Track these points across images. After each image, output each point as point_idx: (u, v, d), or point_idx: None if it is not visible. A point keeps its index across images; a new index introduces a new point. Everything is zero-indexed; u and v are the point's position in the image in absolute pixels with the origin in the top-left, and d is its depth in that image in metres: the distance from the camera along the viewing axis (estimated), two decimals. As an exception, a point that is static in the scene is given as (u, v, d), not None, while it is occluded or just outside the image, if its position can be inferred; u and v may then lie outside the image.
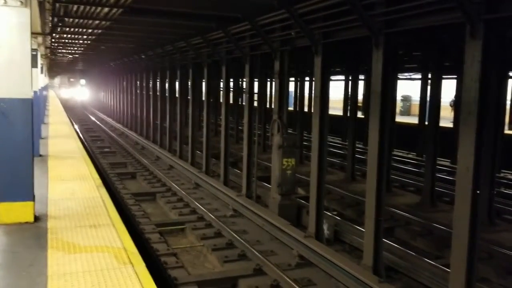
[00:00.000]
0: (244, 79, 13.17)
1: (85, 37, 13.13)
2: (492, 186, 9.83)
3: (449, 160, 16.16)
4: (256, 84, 13.94)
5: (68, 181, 8.34)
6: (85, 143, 21.04)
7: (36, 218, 5.97)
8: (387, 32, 6.75)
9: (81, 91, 47.99)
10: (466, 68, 5.56)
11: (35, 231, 5.60)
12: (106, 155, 19.53)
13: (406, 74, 19.85)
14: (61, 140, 14.24)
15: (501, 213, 10.66)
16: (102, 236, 5.32)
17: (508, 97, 16.92)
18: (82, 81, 43.63)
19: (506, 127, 17.22)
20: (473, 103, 5.45)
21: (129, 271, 4.38)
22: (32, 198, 5.94)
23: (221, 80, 14.67)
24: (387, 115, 7.06)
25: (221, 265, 8.09)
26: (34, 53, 11.87)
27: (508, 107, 18.28)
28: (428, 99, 15.43)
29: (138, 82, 24.36)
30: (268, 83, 23.15)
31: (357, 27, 7.20)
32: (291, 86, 22.64)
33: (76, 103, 47.86)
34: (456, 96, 16.41)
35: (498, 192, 11.83)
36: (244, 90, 13.91)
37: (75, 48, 17.55)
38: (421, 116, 17.09)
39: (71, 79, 50.83)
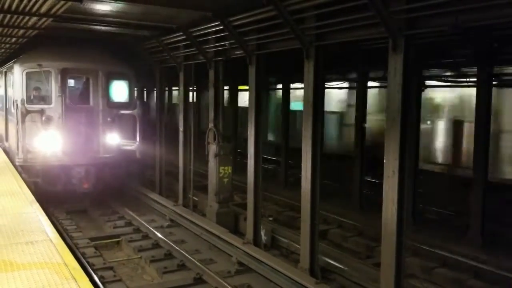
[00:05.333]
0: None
1: (7, 45, 12.55)
2: (414, 188, 10.49)
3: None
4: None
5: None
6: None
7: (-35, 238, 5.64)
8: (317, 45, 7.13)
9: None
10: (389, 79, 6.01)
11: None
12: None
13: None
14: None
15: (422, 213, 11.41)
16: (41, 252, 5.18)
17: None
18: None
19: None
20: (397, 111, 5.90)
21: (72, 286, 4.32)
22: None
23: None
24: (319, 123, 7.42)
25: (160, 277, 8.05)
26: None
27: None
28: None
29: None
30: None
31: (289, 40, 7.52)
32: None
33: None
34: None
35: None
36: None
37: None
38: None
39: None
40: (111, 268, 8.15)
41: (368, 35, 6.44)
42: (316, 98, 7.31)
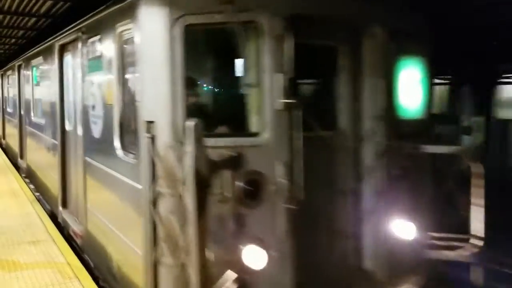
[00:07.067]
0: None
1: (7, 46, 12.61)
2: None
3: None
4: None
5: (-2, 197, 7.82)
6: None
7: (-33, 239, 5.62)
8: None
9: None
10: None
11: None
12: None
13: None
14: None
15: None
16: (43, 252, 5.21)
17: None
18: None
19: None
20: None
21: (75, 285, 4.36)
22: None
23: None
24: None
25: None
26: None
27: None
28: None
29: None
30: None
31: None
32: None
33: None
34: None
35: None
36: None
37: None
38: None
39: None
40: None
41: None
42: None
